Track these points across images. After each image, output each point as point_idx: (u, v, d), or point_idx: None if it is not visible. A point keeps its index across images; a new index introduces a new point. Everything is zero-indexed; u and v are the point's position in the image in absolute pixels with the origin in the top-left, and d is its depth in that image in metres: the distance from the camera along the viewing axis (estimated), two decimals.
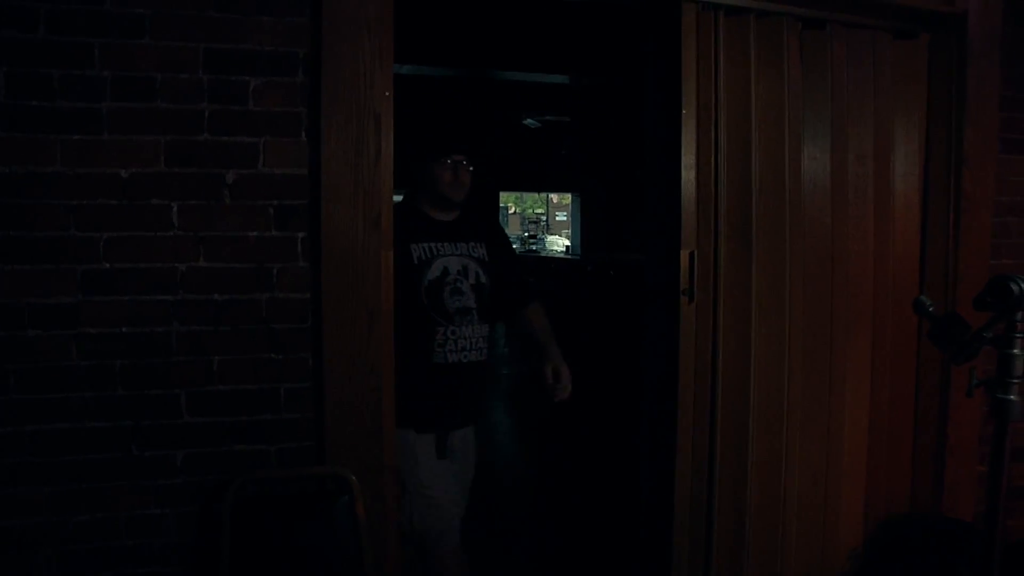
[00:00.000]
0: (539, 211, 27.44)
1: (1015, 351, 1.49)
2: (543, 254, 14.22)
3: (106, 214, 2.16)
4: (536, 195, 26.23)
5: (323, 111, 2.28)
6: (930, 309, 1.66)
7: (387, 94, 2.38)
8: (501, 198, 15.64)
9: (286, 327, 2.33)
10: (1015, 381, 1.49)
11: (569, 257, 12.16)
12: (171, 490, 2.25)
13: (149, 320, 2.21)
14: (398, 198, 2.55)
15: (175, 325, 2.23)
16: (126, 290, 2.19)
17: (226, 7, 2.23)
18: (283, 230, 2.31)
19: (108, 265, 2.17)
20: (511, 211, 27.31)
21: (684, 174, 2.84)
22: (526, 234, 19.99)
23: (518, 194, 25.54)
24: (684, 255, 2.85)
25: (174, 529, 2.26)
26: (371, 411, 2.38)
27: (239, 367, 2.30)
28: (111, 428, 2.19)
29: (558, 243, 16.91)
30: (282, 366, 2.33)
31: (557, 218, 25.31)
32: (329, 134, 2.29)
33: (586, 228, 13.38)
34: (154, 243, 2.21)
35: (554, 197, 24.66)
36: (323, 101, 2.28)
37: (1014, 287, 1.45)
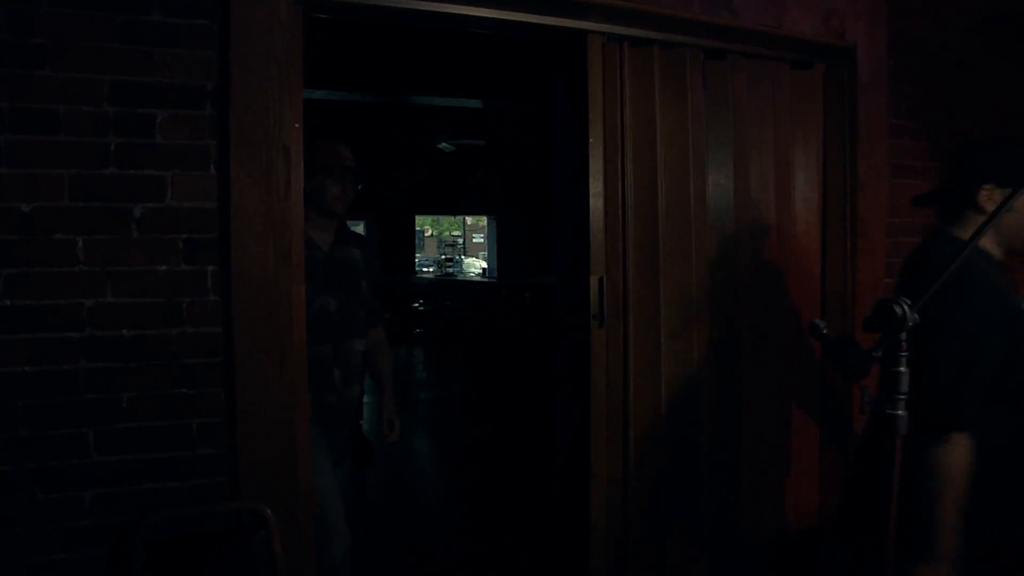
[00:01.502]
0: (456, 234, 27.47)
1: (900, 369, 1.58)
2: (460, 277, 14.22)
3: (6, 250, 2.10)
4: (452, 218, 26.28)
5: (232, 144, 2.27)
6: (824, 331, 1.74)
7: (296, 126, 2.39)
8: (417, 221, 15.62)
9: (197, 362, 2.30)
10: (901, 397, 1.58)
11: (485, 280, 12.19)
12: (79, 533, 2.19)
13: (54, 358, 2.15)
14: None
15: (82, 362, 2.18)
16: (28, 328, 2.13)
17: (131, 39, 2.21)
18: (193, 264, 2.29)
19: (9, 302, 2.11)
20: (427, 234, 27.27)
21: (592, 202, 2.91)
22: (443, 257, 19.99)
23: (434, 217, 25.54)
24: (594, 281, 2.91)
25: (82, 574, 2.19)
26: (286, 444, 2.36)
27: (150, 403, 2.25)
28: (13, 471, 2.12)
29: (475, 265, 16.93)
30: (194, 401, 2.30)
31: (474, 240, 25.36)
32: (238, 167, 2.28)
33: (503, 250, 13.47)
34: (58, 279, 2.16)
35: (470, 219, 24.73)
36: (231, 134, 2.28)
37: (897, 309, 1.54)
